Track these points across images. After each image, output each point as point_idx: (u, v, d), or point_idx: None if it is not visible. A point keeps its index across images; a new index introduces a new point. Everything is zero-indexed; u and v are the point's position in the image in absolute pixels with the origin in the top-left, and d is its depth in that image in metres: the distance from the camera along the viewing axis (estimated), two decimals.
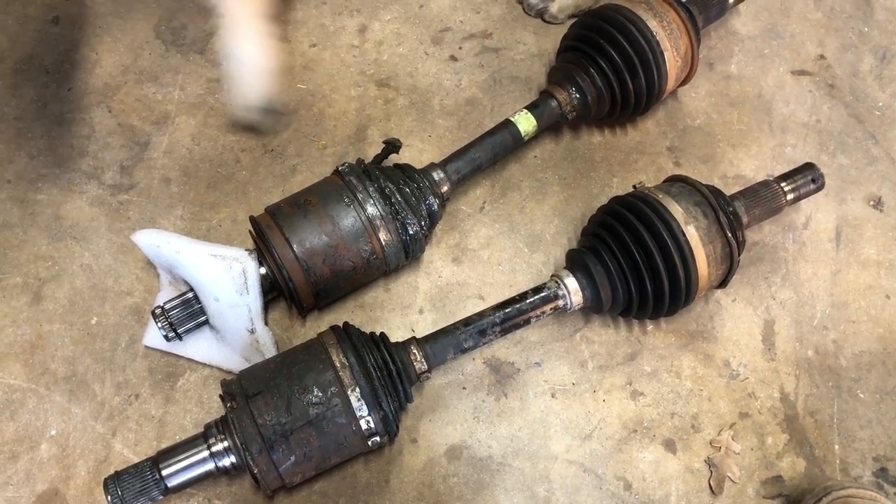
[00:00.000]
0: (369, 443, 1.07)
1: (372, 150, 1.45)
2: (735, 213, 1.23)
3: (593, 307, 1.25)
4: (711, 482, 1.23)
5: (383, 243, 1.20)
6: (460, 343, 1.17)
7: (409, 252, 1.25)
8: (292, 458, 1.02)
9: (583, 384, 1.29)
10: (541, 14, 1.64)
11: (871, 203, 1.49)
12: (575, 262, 1.24)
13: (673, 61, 1.36)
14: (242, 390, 1.04)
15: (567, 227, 1.42)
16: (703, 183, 1.23)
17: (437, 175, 1.29)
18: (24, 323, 1.28)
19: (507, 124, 1.36)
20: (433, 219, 1.28)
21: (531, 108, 1.38)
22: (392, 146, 1.32)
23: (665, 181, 1.30)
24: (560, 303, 1.21)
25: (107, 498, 1.01)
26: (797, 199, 1.33)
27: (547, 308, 1.21)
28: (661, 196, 1.20)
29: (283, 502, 1.18)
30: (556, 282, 1.22)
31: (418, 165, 1.31)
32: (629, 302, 1.22)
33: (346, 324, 1.15)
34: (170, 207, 1.39)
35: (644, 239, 1.16)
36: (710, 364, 1.32)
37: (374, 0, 1.64)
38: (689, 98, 1.57)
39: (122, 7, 1.59)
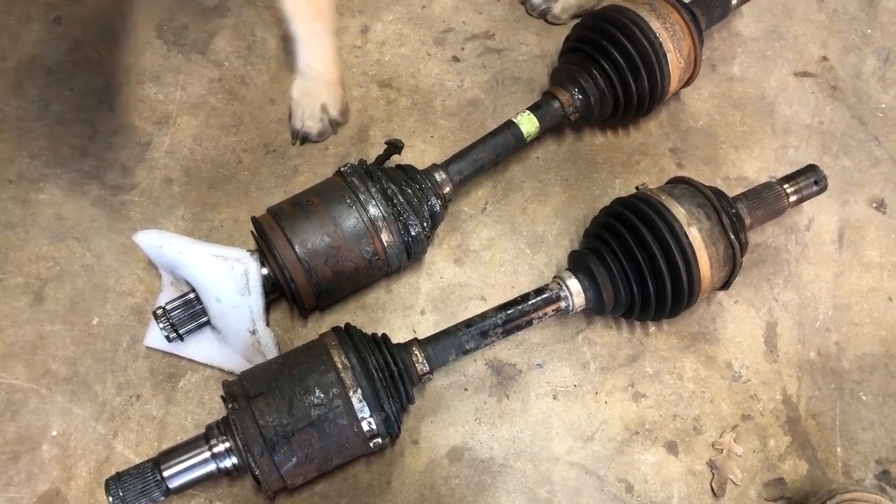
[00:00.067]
0: (371, 444, 1.07)
1: (374, 151, 1.45)
2: (738, 215, 1.22)
3: (595, 309, 1.25)
4: (713, 484, 1.22)
5: (385, 244, 1.20)
6: (462, 344, 1.17)
7: (411, 253, 1.25)
8: (294, 460, 1.02)
9: (585, 386, 1.28)
10: (543, 15, 1.64)
11: (874, 205, 1.48)
12: (577, 263, 1.24)
13: (676, 63, 1.36)
14: (244, 391, 1.04)
15: (569, 228, 1.42)
16: (706, 184, 1.23)
17: (440, 176, 1.29)
18: (25, 323, 1.28)
19: (510, 125, 1.36)
20: (435, 220, 1.27)
21: (533, 109, 1.38)
22: (394, 147, 1.31)
23: (668, 182, 1.30)
24: (562, 304, 1.21)
25: (108, 499, 1.01)
26: (800, 201, 1.33)
27: (549, 309, 1.21)
28: (663, 197, 1.19)
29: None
30: (559, 283, 1.22)
31: (420, 166, 1.30)
32: (631, 303, 1.21)
33: (347, 325, 1.15)
34: (171, 208, 1.39)
35: (647, 240, 1.16)
36: (712, 366, 1.32)
37: (377, 1, 1.63)
38: (691, 99, 1.57)
39: (124, 7, 1.59)
